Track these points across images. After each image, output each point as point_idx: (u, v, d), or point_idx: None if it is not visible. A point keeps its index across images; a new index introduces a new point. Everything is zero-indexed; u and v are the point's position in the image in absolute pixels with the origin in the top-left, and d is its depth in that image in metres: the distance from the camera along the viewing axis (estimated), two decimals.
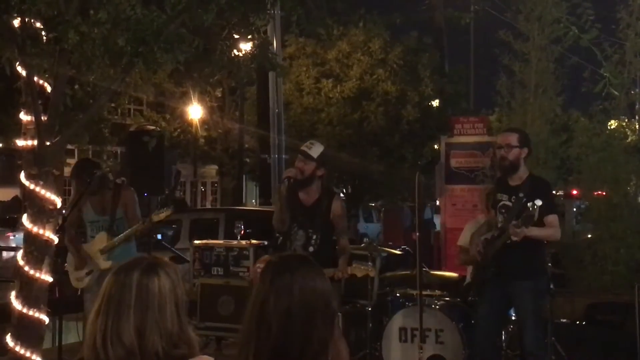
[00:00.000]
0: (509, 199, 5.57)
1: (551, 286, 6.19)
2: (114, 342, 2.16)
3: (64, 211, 6.31)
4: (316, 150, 5.79)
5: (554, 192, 6.38)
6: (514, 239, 5.32)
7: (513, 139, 5.66)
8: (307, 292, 2.15)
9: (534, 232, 5.36)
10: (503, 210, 5.60)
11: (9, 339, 5.26)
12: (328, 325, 2.17)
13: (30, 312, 5.19)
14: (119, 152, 22.58)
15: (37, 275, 5.20)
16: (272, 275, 2.18)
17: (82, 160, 7.71)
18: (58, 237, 5.52)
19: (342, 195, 16.44)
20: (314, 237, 5.65)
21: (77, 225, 6.67)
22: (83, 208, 6.58)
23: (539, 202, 5.13)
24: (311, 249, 5.63)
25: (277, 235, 5.98)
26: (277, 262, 2.25)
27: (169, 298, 2.24)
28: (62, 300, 5.97)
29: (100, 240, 6.46)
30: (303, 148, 5.81)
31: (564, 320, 7.03)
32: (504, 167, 5.68)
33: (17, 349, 5.19)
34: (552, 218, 5.47)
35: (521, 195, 5.45)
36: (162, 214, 6.21)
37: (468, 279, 6.67)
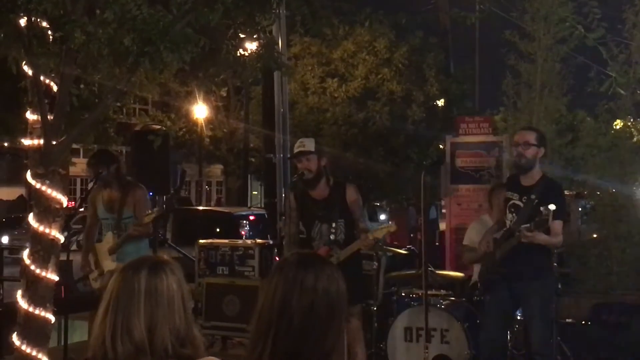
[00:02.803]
0: (520, 199, 5.54)
1: (559, 286, 6.19)
2: (123, 338, 2.16)
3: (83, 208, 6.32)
4: (310, 144, 5.84)
5: (566, 194, 6.34)
6: (524, 241, 5.30)
7: (531, 137, 5.60)
8: (331, 292, 2.20)
9: (543, 239, 5.34)
10: (512, 210, 5.58)
11: (15, 338, 5.27)
12: (340, 327, 2.23)
13: (37, 311, 5.20)
14: (124, 151, 22.64)
15: (43, 274, 5.21)
16: (296, 271, 2.21)
17: (100, 151, 7.69)
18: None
19: None
20: (334, 225, 5.70)
21: (96, 220, 6.65)
22: (97, 203, 6.56)
23: (552, 207, 5.08)
24: (332, 237, 5.69)
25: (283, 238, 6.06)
26: (300, 260, 2.27)
27: (177, 295, 2.26)
28: (68, 300, 5.99)
29: (107, 241, 6.45)
30: (299, 149, 5.84)
31: (570, 321, 7.03)
32: (519, 165, 5.61)
33: (23, 347, 5.20)
34: (558, 225, 5.41)
35: (533, 197, 5.42)
36: (152, 215, 6.25)
37: (474, 278, 6.67)
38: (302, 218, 5.91)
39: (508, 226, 5.59)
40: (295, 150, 5.88)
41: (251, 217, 15.68)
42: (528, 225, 5.24)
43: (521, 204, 5.51)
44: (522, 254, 5.41)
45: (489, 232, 5.81)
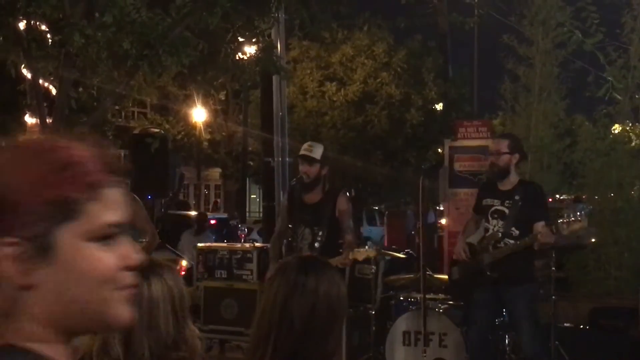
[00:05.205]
0: (502, 204, 5.59)
1: (541, 291, 6.24)
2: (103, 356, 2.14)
3: None
4: (317, 151, 5.82)
5: (564, 198, 6.43)
6: (543, 241, 5.32)
7: (503, 145, 5.70)
8: (332, 296, 2.21)
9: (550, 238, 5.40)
10: (496, 216, 5.62)
11: None
12: (341, 330, 2.26)
13: None
14: (122, 155, 22.64)
15: None
16: (297, 274, 2.21)
17: None
18: None
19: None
20: (320, 233, 5.68)
21: None
22: None
23: (582, 210, 5.20)
24: (317, 244, 5.66)
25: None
26: (300, 263, 2.28)
27: (162, 304, 2.21)
28: None
29: None
30: (304, 152, 5.83)
31: (568, 325, 7.02)
32: (493, 174, 5.74)
33: None
34: (542, 225, 5.46)
35: (517, 197, 5.47)
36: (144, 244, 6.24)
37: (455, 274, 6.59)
38: (290, 219, 5.93)
39: (492, 232, 5.61)
40: (302, 152, 5.87)
41: (212, 221, 15.67)
42: (552, 224, 5.25)
43: (505, 209, 5.56)
44: (508, 260, 5.45)
45: (462, 239, 5.86)
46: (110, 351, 2.14)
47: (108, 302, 1.13)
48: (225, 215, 20.77)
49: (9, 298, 1.08)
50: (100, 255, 1.12)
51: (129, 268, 1.15)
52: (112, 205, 1.14)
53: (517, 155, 5.67)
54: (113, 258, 1.13)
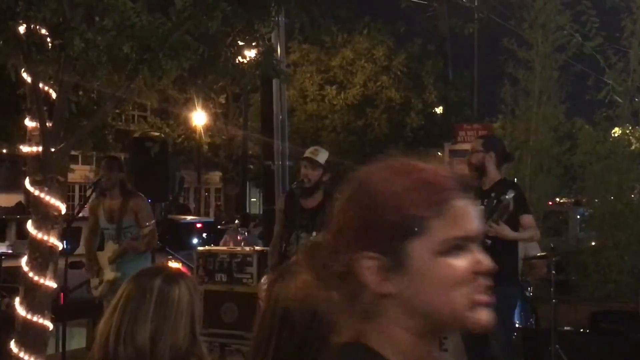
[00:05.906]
0: (482, 203, 5.62)
1: (530, 293, 6.24)
2: (126, 341, 2.17)
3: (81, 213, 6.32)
4: (322, 156, 5.81)
5: (564, 202, 6.46)
6: (490, 234, 5.34)
7: (477, 144, 5.84)
8: None
9: (512, 234, 5.40)
10: None
11: (13, 345, 5.26)
12: None
13: (34, 318, 5.19)
14: (122, 158, 22.65)
15: (42, 281, 5.21)
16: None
17: (108, 158, 7.71)
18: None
19: None
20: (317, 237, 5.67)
21: (96, 229, 6.67)
22: (98, 213, 6.56)
23: (511, 194, 5.24)
24: None
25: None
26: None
27: (186, 311, 2.25)
28: (66, 307, 5.98)
29: (108, 251, 6.47)
30: (308, 155, 5.81)
31: (568, 329, 7.02)
32: (470, 172, 5.79)
33: (21, 355, 5.19)
34: (528, 218, 5.54)
35: (493, 195, 5.50)
36: (146, 229, 6.31)
37: None
38: (287, 223, 5.92)
39: None
40: (307, 154, 5.85)
41: (198, 225, 15.70)
42: (492, 218, 5.30)
43: (483, 207, 5.59)
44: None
45: None
46: (136, 338, 2.17)
47: (463, 306, 1.24)
48: (211, 220, 20.74)
49: (370, 304, 1.22)
50: (449, 264, 1.23)
51: (480, 273, 1.26)
52: (458, 221, 1.24)
53: (492, 154, 5.69)
54: (463, 265, 1.24)
